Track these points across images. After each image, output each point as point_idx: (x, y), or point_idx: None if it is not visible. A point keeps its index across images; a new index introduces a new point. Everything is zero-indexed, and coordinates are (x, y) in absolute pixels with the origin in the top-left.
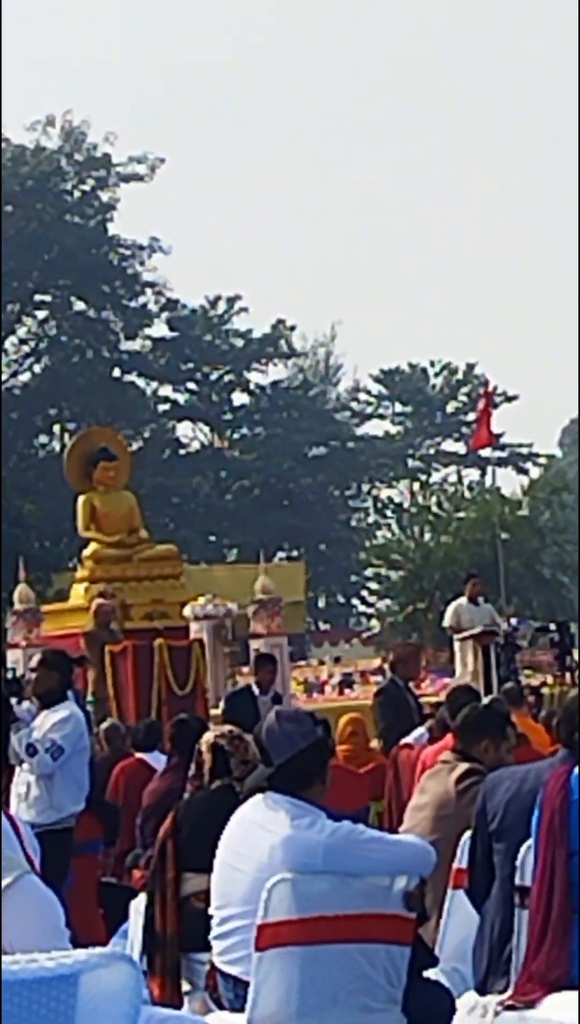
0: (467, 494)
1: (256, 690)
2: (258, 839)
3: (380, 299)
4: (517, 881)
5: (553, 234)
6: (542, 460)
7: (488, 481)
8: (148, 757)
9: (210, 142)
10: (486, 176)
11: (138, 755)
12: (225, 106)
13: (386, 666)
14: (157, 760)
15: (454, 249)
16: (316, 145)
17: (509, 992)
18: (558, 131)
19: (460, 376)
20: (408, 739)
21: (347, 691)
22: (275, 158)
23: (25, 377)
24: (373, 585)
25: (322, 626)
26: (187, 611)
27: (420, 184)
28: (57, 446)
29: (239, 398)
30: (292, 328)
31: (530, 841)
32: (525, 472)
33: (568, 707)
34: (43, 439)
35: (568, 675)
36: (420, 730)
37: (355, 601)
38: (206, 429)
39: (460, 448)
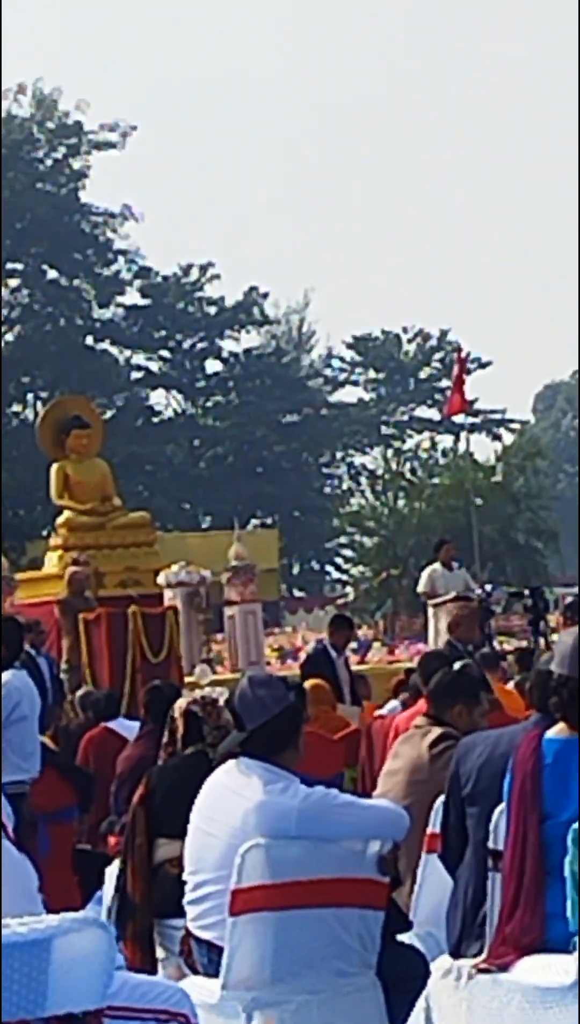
0: (441, 460)
1: (333, 652)
2: (231, 804)
3: (353, 266)
4: (490, 845)
5: (528, 200)
6: (516, 426)
7: (462, 447)
8: (113, 724)
9: (182, 109)
10: (459, 143)
11: (103, 724)
12: (197, 73)
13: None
14: (122, 727)
15: (427, 215)
16: (289, 112)
17: (483, 955)
18: (525, 88)
19: (433, 342)
20: (381, 710)
21: None
22: (247, 125)
23: None
24: (347, 552)
25: (296, 593)
26: (161, 579)
27: (393, 151)
28: (30, 414)
29: (212, 366)
30: (265, 295)
31: (503, 805)
32: (499, 438)
33: (540, 671)
34: (16, 407)
35: (542, 640)
36: (394, 702)
37: (329, 568)
38: (179, 397)
39: (434, 414)
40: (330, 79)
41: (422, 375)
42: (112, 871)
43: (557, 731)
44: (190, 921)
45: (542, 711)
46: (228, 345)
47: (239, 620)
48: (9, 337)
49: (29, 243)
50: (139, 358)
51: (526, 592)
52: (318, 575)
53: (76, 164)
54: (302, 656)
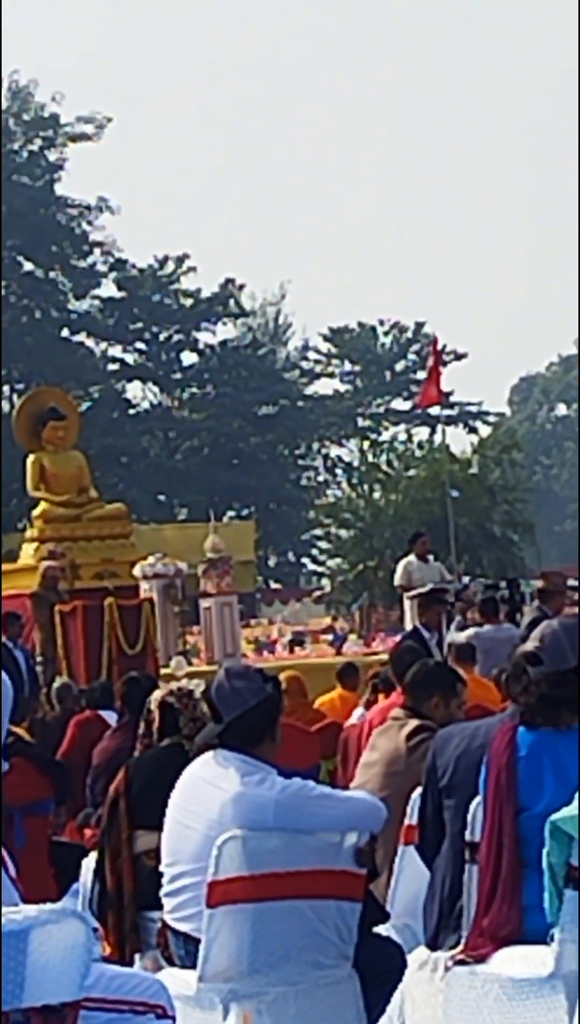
0: (417, 453)
1: (425, 632)
2: (208, 796)
3: (329, 258)
4: (467, 837)
5: (503, 195)
6: (492, 418)
7: (438, 439)
8: (103, 713)
9: (158, 101)
10: (436, 136)
11: (96, 711)
12: (173, 65)
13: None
14: (112, 717)
15: (404, 208)
16: (265, 104)
17: (460, 947)
18: (504, 88)
19: (409, 334)
20: (351, 719)
21: (298, 650)
22: (223, 118)
23: None
24: (323, 544)
25: (272, 585)
26: (137, 570)
27: (369, 143)
28: (6, 406)
29: (188, 358)
30: (241, 287)
31: (480, 797)
32: (475, 431)
33: (517, 663)
34: None
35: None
36: (359, 710)
37: (305, 560)
38: (155, 389)
39: (409, 406)
40: (305, 73)
41: (398, 367)
42: (89, 863)
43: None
44: (167, 913)
45: (517, 702)
46: (204, 337)
47: (215, 612)
48: None
49: (5, 235)
50: (115, 350)
51: (502, 584)
52: (294, 567)
53: (52, 156)
54: (278, 648)
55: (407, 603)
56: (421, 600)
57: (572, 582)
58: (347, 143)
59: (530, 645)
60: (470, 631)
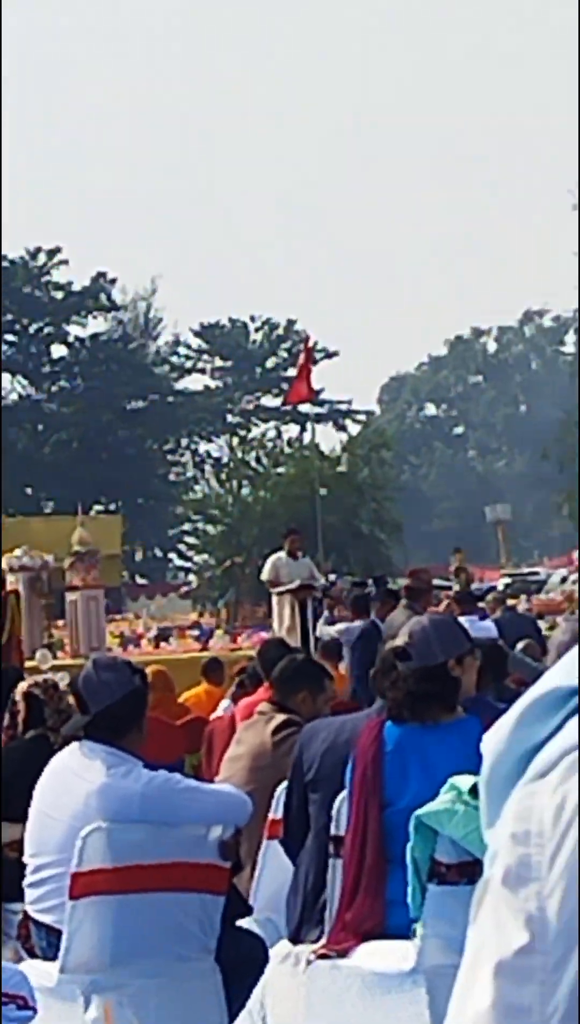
0: (286, 450)
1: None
2: (74, 787)
3: (201, 254)
4: (332, 831)
5: (376, 193)
6: (361, 417)
7: (307, 437)
8: None
9: (30, 89)
10: (311, 132)
11: None
12: (46, 53)
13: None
14: None
15: (276, 205)
16: (139, 97)
17: (322, 941)
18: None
19: (280, 332)
20: (217, 713)
21: (164, 645)
22: (97, 106)
23: None
24: (190, 539)
25: (139, 580)
26: (3, 562)
27: (244, 138)
28: None
29: (58, 350)
30: (112, 281)
31: (345, 792)
32: (344, 429)
33: (385, 658)
34: None
35: None
36: (225, 703)
37: (172, 555)
38: (24, 381)
39: (279, 403)
40: (184, 60)
41: (269, 364)
42: None
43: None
44: (29, 904)
45: (384, 698)
46: (74, 330)
47: (81, 605)
48: None
49: None
50: None
51: (370, 582)
52: (161, 562)
53: None
54: (144, 643)
55: (274, 599)
56: (456, 598)
57: (437, 581)
58: (222, 138)
59: (399, 641)
60: (340, 626)
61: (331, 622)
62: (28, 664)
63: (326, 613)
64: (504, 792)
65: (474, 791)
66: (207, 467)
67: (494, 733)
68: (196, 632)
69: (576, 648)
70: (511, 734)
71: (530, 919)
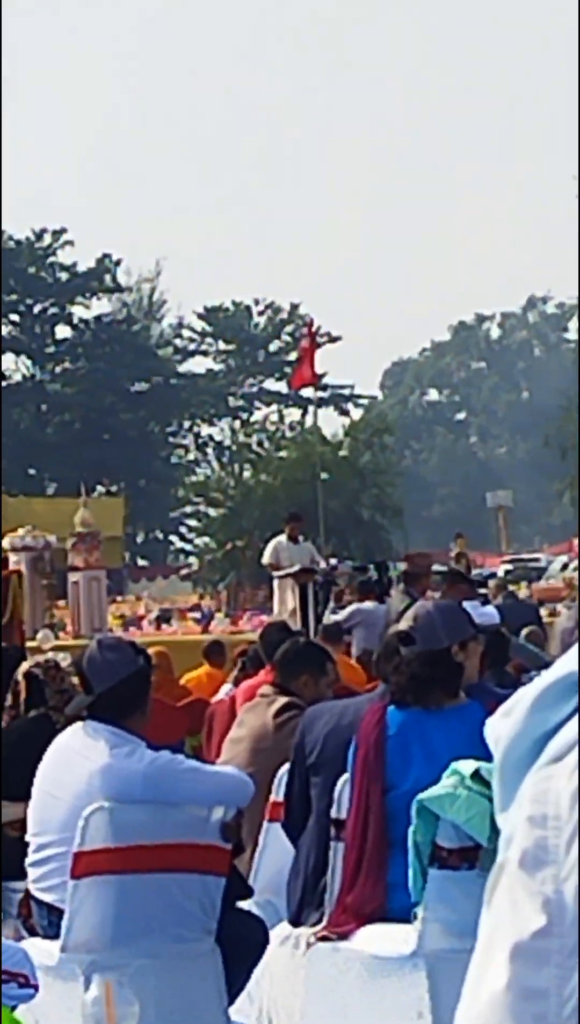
0: (288, 434)
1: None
2: (77, 767)
3: (206, 236)
4: (333, 814)
5: (381, 178)
6: (363, 401)
7: (309, 421)
8: None
9: (35, 70)
10: (314, 117)
11: None
12: (50, 32)
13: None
14: None
15: (282, 189)
16: (143, 75)
17: (322, 924)
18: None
19: (284, 315)
20: (219, 696)
21: (164, 627)
22: (103, 89)
23: None
24: (192, 522)
25: (140, 562)
26: (5, 542)
27: (248, 120)
28: None
29: (62, 331)
30: (118, 263)
31: (347, 775)
32: (346, 413)
33: (388, 643)
34: None
35: None
36: (227, 686)
37: (173, 537)
38: (28, 362)
39: (282, 387)
40: (189, 43)
41: (272, 348)
42: None
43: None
44: (31, 883)
45: (387, 682)
46: (79, 311)
47: (83, 586)
48: None
49: None
50: None
51: (370, 567)
52: (162, 544)
53: None
54: (145, 624)
55: (275, 583)
56: (447, 578)
57: (437, 567)
58: (226, 121)
59: (403, 625)
60: (351, 607)
61: (335, 610)
62: (30, 644)
63: (332, 603)
64: (518, 776)
65: (476, 776)
66: (209, 450)
67: (505, 718)
68: (197, 614)
69: None
70: (526, 718)
71: (547, 902)
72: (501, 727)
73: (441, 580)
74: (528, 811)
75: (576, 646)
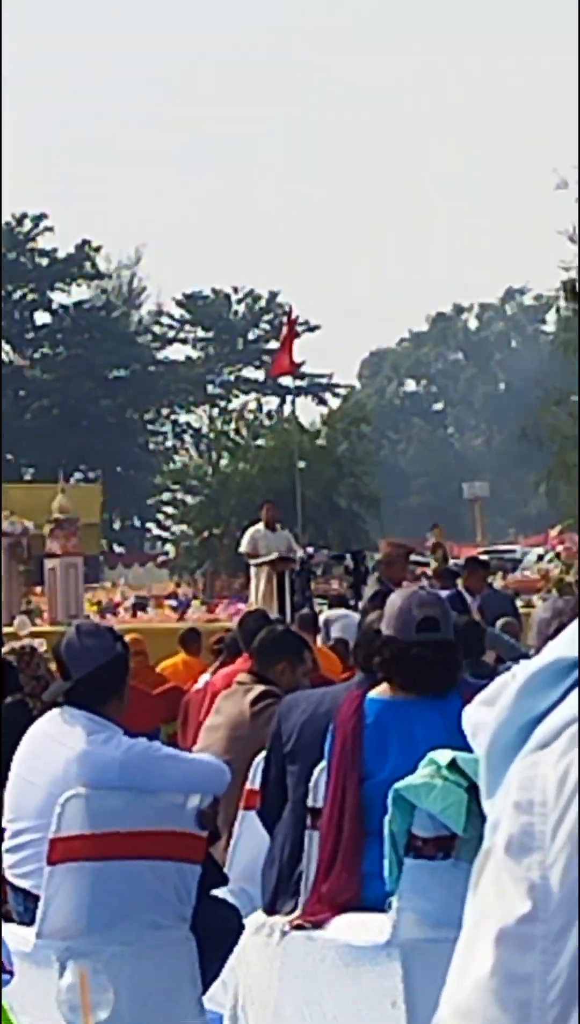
0: (266, 422)
1: (467, 596)
2: (53, 753)
3: (185, 223)
4: (309, 803)
5: (360, 167)
6: (341, 391)
7: (287, 410)
8: None
9: (12, 54)
10: (292, 103)
11: None
12: (27, 17)
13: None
14: None
15: (261, 177)
16: (122, 60)
17: (297, 912)
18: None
19: (263, 303)
20: (198, 684)
21: (141, 614)
22: (81, 74)
23: None
24: (169, 509)
25: (117, 549)
26: None
27: (227, 106)
28: None
29: (41, 317)
30: (97, 249)
31: (323, 763)
32: (324, 402)
33: (366, 631)
34: None
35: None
36: (205, 676)
37: (150, 525)
38: (7, 347)
39: (260, 376)
40: (168, 32)
41: (250, 336)
42: None
43: (379, 691)
44: (7, 869)
45: (366, 671)
46: (58, 297)
47: (60, 573)
48: None
49: None
50: None
51: (347, 556)
52: (139, 531)
53: None
54: (121, 611)
55: (252, 570)
56: (467, 566)
57: (414, 557)
58: (205, 107)
59: (428, 612)
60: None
61: (309, 597)
62: (6, 630)
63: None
64: (504, 763)
65: (453, 766)
66: (187, 437)
67: (485, 706)
68: (173, 602)
69: (578, 620)
70: (513, 705)
71: (532, 888)
72: (480, 716)
73: (462, 568)
74: (515, 797)
75: (562, 635)
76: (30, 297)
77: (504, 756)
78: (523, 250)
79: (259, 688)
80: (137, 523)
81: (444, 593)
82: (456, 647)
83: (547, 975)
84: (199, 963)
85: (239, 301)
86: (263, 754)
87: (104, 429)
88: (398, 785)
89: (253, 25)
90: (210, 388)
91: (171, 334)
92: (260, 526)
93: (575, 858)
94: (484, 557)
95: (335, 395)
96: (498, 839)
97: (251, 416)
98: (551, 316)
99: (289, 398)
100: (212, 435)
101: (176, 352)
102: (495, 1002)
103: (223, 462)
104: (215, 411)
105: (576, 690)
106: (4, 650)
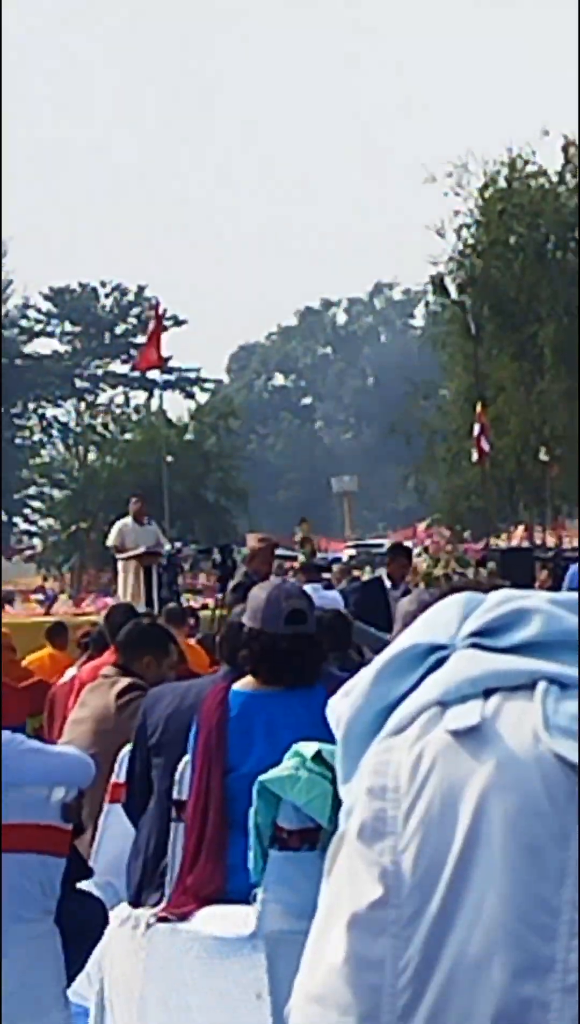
0: (134, 416)
1: (387, 583)
2: None
3: (52, 216)
4: (174, 796)
5: (231, 161)
6: (209, 385)
7: (155, 404)
8: None
9: None
10: (171, 96)
11: None
12: None
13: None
14: None
15: (130, 169)
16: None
17: (162, 904)
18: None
19: (131, 297)
20: (64, 678)
21: (7, 608)
22: None
23: None
24: (36, 504)
25: None
26: None
27: (95, 97)
28: None
29: None
30: None
31: (188, 756)
32: (192, 397)
33: (232, 625)
34: None
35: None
36: (71, 671)
37: (17, 519)
38: None
39: (128, 370)
40: (41, 29)
41: (118, 330)
42: None
43: (244, 684)
44: None
45: (231, 664)
46: None
47: None
48: None
49: None
50: None
51: (215, 550)
52: (5, 526)
53: None
54: None
55: (120, 564)
56: (389, 554)
57: (282, 551)
58: (71, 96)
59: (295, 605)
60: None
61: (177, 591)
62: None
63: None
64: (361, 748)
65: (317, 757)
66: (54, 431)
67: (346, 697)
68: (40, 596)
69: (432, 608)
70: (368, 691)
71: (384, 873)
72: (343, 707)
73: (385, 555)
74: (368, 783)
75: (417, 621)
76: None
77: (360, 742)
78: (391, 245)
79: (125, 681)
80: (3, 517)
81: (308, 587)
82: (321, 640)
83: (398, 960)
84: (64, 956)
85: (107, 295)
86: (128, 747)
87: None
88: (263, 777)
89: (133, 19)
90: (77, 382)
91: (38, 328)
92: (128, 520)
93: (428, 843)
94: (364, 546)
95: (203, 389)
96: (351, 824)
97: (118, 410)
98: (420, 311)
99: (157, 392)
100: (79, 429)
101: (43, 346)
102: (347, 987)
103: (90, 456)
104: (82, 405)
105: (432, 675)
106: None
